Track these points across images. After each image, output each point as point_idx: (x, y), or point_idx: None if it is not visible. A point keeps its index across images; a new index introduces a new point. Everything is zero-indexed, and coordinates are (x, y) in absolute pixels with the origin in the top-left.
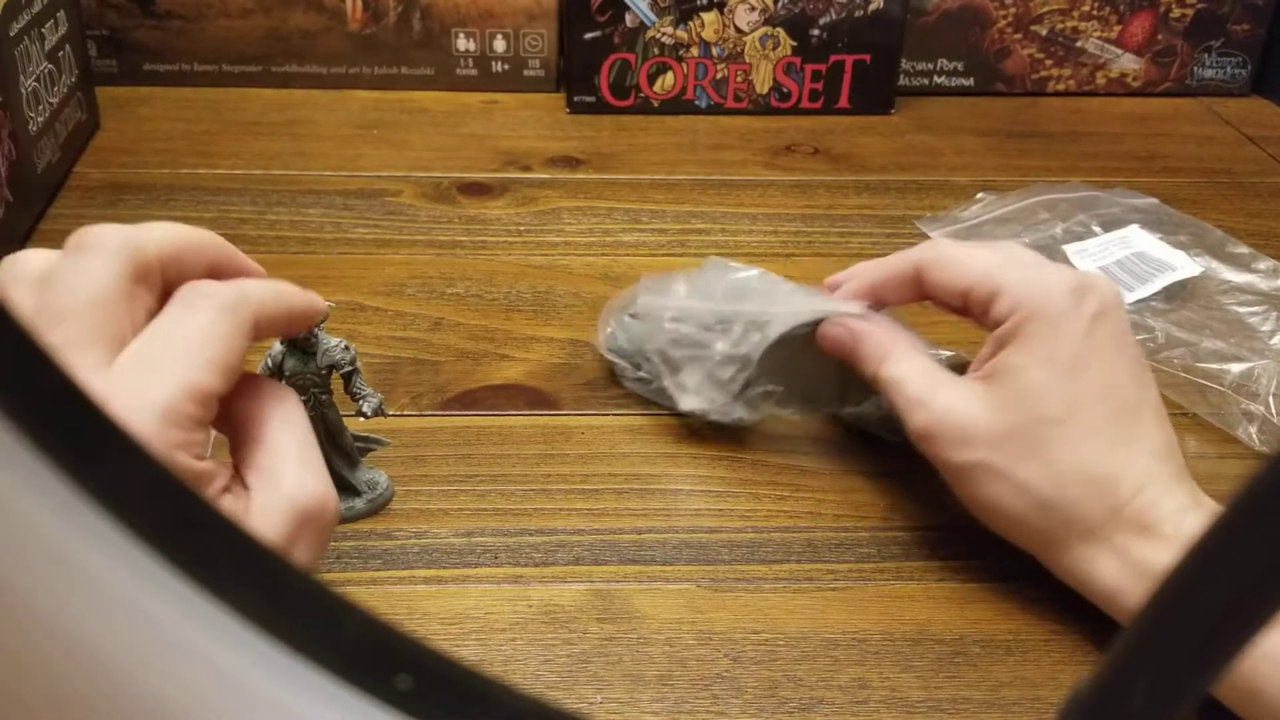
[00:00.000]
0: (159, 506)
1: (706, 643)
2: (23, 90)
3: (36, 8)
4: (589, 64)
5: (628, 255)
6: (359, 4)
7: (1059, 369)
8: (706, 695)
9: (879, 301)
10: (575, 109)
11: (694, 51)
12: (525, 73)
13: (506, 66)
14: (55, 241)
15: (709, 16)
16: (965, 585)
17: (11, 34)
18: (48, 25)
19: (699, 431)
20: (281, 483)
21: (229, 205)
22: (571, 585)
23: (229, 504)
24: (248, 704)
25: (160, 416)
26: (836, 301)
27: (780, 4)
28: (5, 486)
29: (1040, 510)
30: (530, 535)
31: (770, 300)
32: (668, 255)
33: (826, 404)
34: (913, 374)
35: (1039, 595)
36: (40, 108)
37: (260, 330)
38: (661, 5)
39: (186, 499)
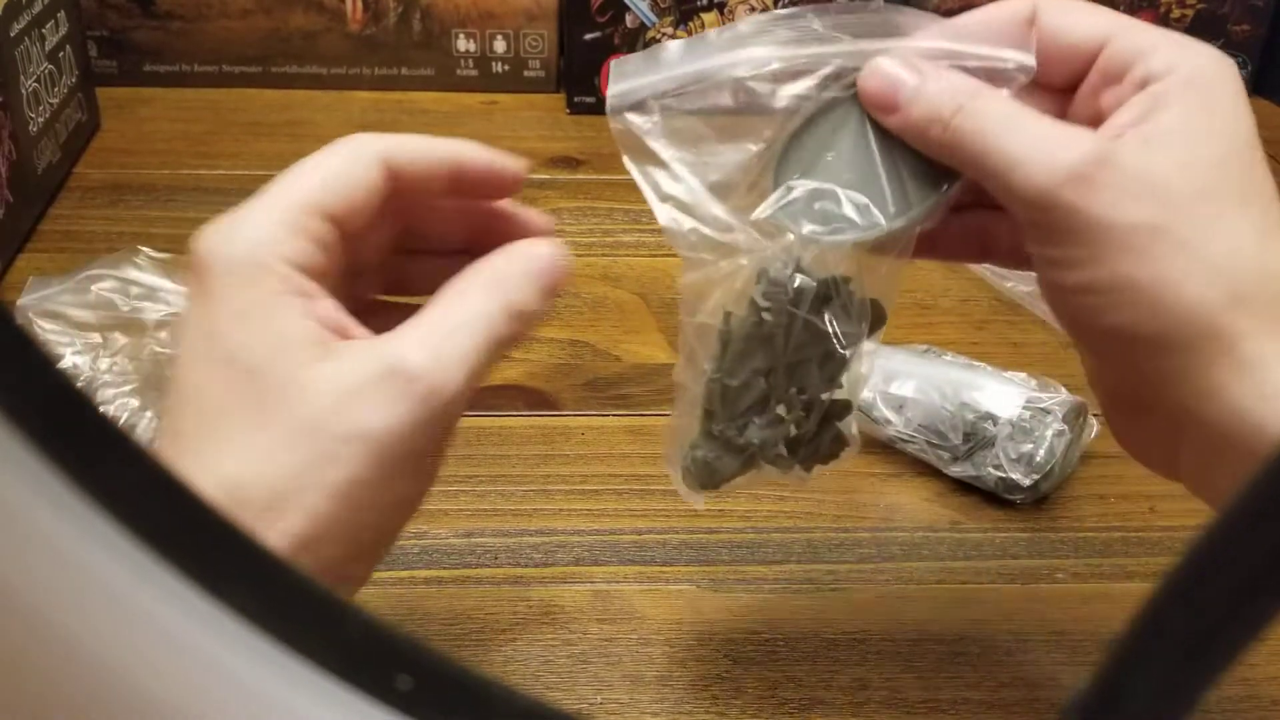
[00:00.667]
0: (160, 507)
1: (706, 643)
2: (23, 91)
3: (37, 8)
4: (589, 65)
5: (628, 255)
6: (359, 4)
7: (1242, 150)
8: (706, 696)
9: None
10: (575, 110)
11: None
12: (525, 73)
13: (507, 67)
14: (55, 243)
15: (709, 17)
16: (965, 586)
17: (12, 34)
18: (48, 26)
19: None
20: (389, 341)
21: (229, 206)
22: (571, 585)
23: (311, 326)
24: (248, 704)
25: (271, 218)
26: (906, 37)
27: (780, 4)
28: (6, 488)
29: (1229, 298)
30: (530, 535)
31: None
32: (668, 255)
33: (868, 216)
34: (1029, 113)
35: (1040, 596)
36: (40, 108)
37: (407, 176)
38: (662, 6)
39: (187, 500)
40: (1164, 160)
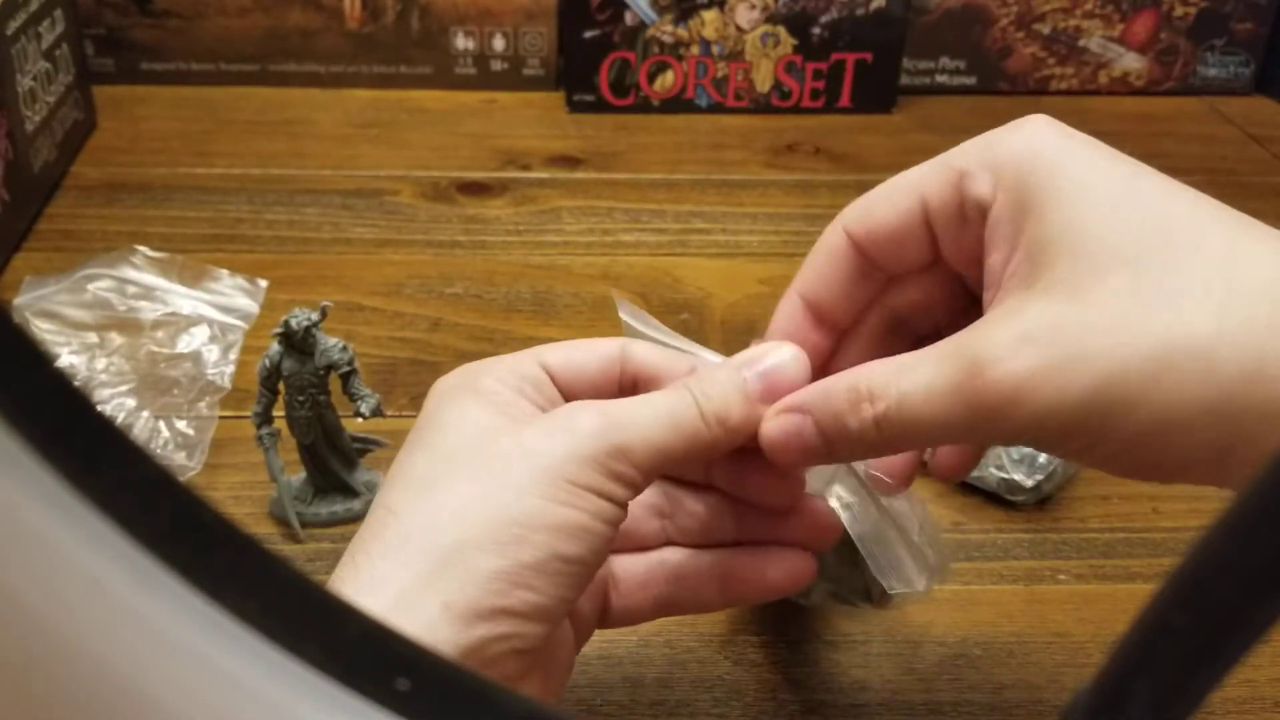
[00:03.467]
0: (157, 509)
1: (706, 645)
2: (19, 89)
3: (34, 6)
4: (588, 63)
5: (628, 255)
6: (357, 2)
7: (1120, 195)
8: (707, 699)
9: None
10: (575, 108)
11: (694, 50)
12: (524, 71)
13: (506, 65)
14: (51, 242)
15: (709, 14)
16: (967, 587)
17: (9, 32)
18: (45, 24)
19: None
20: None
21: (226, 205)
22: None
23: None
24: (247, 706)
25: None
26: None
27: (781, 2)
28: (4, 489)
29: (1242, 349)
30: None
31: None
32: (668, 255)
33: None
34: (945, 360)
35: (1042, 597)
36: (37, 106)
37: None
38: (661, 3)
39: (186, 501)
40: (1090, 307)
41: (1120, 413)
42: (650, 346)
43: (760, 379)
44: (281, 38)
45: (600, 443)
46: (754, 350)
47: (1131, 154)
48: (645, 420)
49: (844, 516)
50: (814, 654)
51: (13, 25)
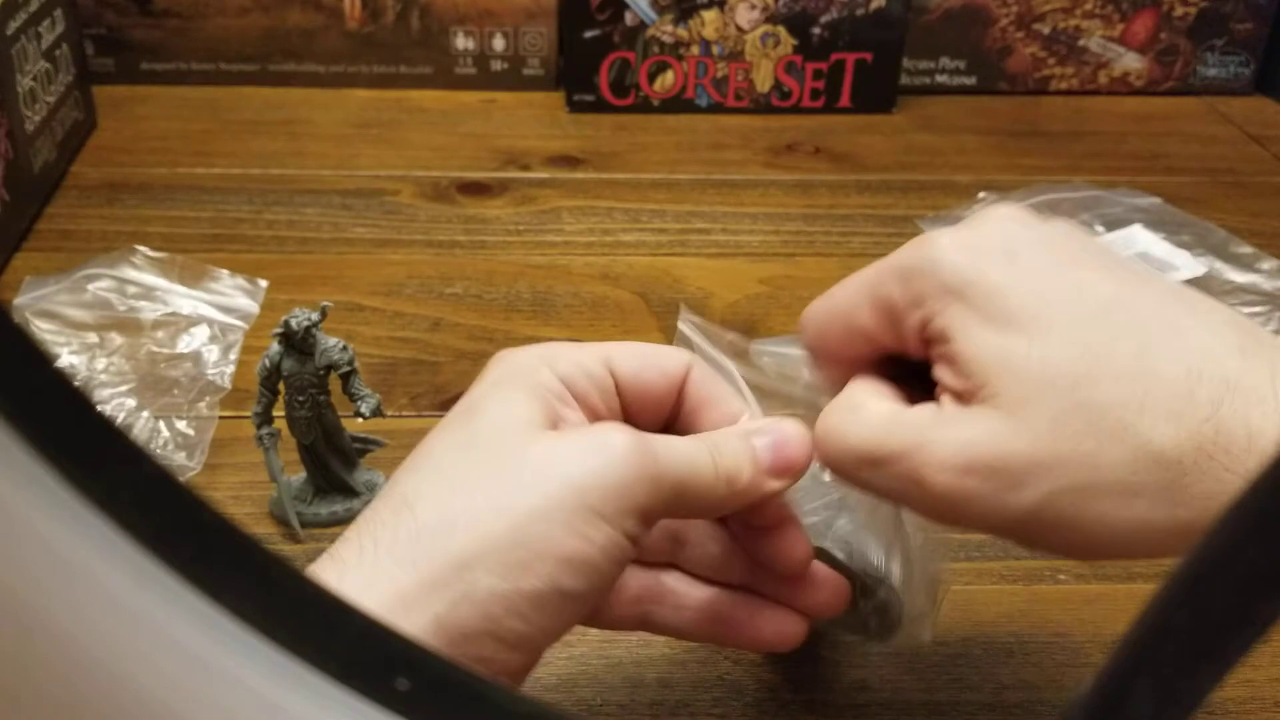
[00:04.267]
0: (158, 509)
1: (706, 645)
2: (19, 89)
3: (34, 6)
4: (588, 63)
5: (628, 255)
6: (357, 2)
7: (1030, 311)
8: (707, 698)
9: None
10: (575, 108)
11: (694, 50)
12: (524, 71)
13: (505, 65)
14: (51, 242)
15: (709, 14)
16: (967, 588)
17: (9, 32)
18: (45, 24)
19: None
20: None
21: (226, 205)
22: None
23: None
24: (247, 706)
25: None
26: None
27: (781, 2)
28: (4, 489)
29: (1164, 471)
30: None
31: None
32: (668, 255)
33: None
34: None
35: (1042, 597)
36: (37, 106)
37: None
38: (661, 3)
39: (186, 501)
40: (993, 416)
41: (1069, 508)
42: (711, 378)
43: (770, 450)
44: (281, 38)
45: (631, 470)
46: (763, 422)
47: (1131, 154)
48: (672, 456)
49: (841, 556)
50: (814, 654)
51: (13, 25)
